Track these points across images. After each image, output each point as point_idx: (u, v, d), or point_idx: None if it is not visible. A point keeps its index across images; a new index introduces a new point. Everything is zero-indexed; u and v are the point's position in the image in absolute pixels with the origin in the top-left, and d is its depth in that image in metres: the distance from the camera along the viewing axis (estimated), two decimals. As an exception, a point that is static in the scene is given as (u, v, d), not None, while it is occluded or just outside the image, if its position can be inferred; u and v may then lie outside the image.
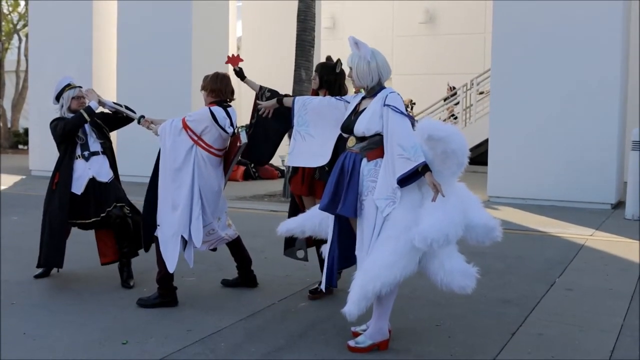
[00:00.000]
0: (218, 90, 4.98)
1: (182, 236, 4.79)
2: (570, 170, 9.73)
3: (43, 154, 13.12)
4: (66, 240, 5.41)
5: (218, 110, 4.89)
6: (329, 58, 5.05)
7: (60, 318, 4.61)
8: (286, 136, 5.10)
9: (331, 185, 3.99)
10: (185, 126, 4.84)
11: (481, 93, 16.34)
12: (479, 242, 3.91)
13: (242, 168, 13.25)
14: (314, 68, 5.06)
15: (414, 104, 18.11)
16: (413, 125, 3.84)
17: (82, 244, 6.13)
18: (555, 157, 9.86)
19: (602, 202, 9.69)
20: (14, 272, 5.72)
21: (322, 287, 4.18)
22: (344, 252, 4.06)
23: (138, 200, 5.39)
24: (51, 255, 5.29)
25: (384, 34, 20.15)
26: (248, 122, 5.04)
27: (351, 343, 4.01)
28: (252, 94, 5.15)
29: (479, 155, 12.27)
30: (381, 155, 3.87)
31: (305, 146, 4.54)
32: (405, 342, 4.12)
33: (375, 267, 3.69)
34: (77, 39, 13.72)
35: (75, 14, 13.72)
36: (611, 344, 4.14)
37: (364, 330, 4.10)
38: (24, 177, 13.83)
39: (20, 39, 25.57)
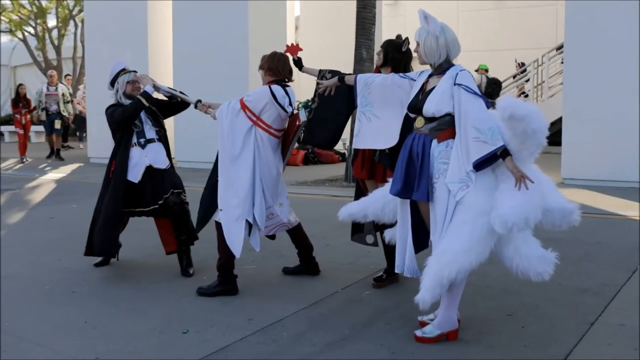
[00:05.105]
0: (276, 69, 4.88)
1: (246, 220, 4.70)
2: (651, 149, 9.20)
3: (101, 141, 13.21)
4: (121, 231, 5.39)
5: (277, 89, 4.79)
6: (398, 37, 4.88)
7: (120, 306, 4.60)
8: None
9: (401, 169, 3.85)
10: (244, 106, 4.74)
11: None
12: (555, 227, 3.79)
13: (302, 152, 13.18)
14: (379, 45, 4.89)
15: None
16: (487, 105, 3.64)
17: (141, 232, 6.13)
18: (634, 134, 9.33)
19: (686, 183, 9.14)
20: (74, 261, 5.73)
21: (407, 273, 3.96)
22: (419, 237, 3.93)
23: (195, 187, 5.32)
24: (104, 245, 5.26)
25: (448, 9, 19.59)
26: (308, 100, 4.87)
27: (418, 333, 3.89)
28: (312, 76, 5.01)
29: (552, 135, 11.77)
30: (452, 136, 3.71)
31: (372, 127, 4.39)
32: (475, 332, 3.98)
33: (449, 253, 3.57)
34: (132, 22, 13.70)
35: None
36: (702, 335, 3.86)
37: (432, 320, 3.97)
38: (81, 164, 14.04)
39: (76, 25, 25.32)
